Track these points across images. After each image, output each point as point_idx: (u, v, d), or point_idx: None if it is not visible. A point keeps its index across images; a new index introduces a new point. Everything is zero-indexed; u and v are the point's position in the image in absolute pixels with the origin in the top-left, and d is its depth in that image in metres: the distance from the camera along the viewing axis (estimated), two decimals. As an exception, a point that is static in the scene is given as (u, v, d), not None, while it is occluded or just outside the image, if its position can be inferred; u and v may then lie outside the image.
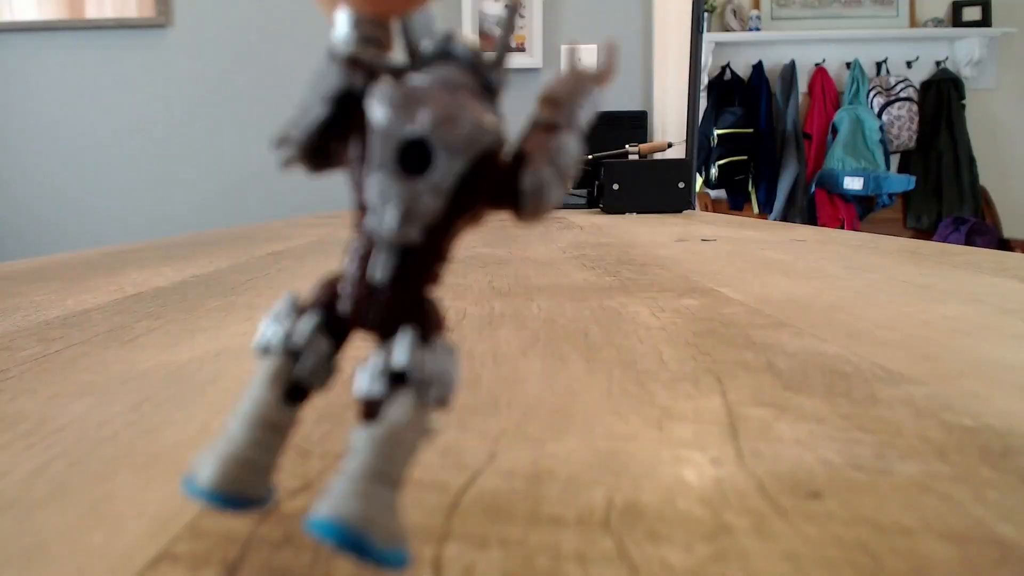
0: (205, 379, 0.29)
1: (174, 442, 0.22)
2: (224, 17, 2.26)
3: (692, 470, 0.19)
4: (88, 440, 0.22)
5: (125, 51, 2.32)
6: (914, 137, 2.91)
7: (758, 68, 2.97)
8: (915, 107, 2.91)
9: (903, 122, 2.89)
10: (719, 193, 3.05)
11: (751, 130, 2.92)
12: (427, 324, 0.14)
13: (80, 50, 2.32)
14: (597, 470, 0.19)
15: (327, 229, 1.18)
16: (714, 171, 2.94)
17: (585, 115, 0.15)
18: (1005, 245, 2.85)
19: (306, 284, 0.45)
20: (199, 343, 0.36)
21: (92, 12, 2.30)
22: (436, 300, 0.14)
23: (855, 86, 2.93)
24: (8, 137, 2.36)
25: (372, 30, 0.15)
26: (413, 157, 0.14)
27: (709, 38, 2.91)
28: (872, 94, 2.93)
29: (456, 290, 0.51)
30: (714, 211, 2.85)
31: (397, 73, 0.14)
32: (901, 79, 2.93)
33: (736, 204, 3.01)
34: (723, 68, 3.00)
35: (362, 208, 0.14)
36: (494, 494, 0.18)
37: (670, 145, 1.55)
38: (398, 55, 0.15)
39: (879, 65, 2.98)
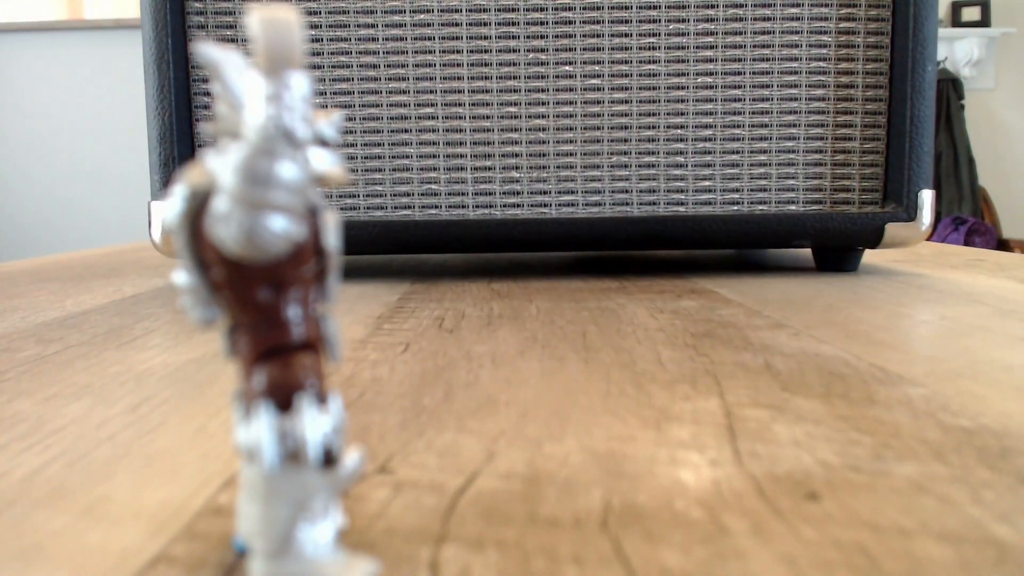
0: (203, 380, 0.29)
1: (172, 443, 0.22)
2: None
3: (690, 471, 0.19)
4: (86, 441, 0.22)
5: (124, 51, 2.32)
6: (913, 137, 2.91)
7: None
8: (914, 107, 2.91)
9: (902, 122, 2.89)
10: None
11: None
12: (254, 393, 0.14)
13: (79, 50, 2.32)
14: (595, 471, 0.19)
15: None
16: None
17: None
18: (1004, 245, 2.85)
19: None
20: (197, 344, 0.36)
21: (91, 12, 2.30)
22: (273, 366, 0.14)
23: (854, 86, 2.93)
24: (6, 137, 2.36)
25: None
26: None
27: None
28: (871, 94, 2.93)
29: (455, 291, 0.51)
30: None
31: None
32: (900, 79, 2.93)
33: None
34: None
35: None
36: (492, 495, 0.18)
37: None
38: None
39: (878, 65, 2.98)
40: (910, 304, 0.44)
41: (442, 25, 0.55)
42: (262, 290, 0.14)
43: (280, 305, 0.14)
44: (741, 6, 0.55)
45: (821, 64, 0.56)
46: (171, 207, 0.14)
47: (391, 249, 0.56)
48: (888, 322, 0.38)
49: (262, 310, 0.14)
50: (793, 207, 0.57)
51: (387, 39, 0.55)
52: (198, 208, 0.14)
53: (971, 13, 3.00)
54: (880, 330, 0.37)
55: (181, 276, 0.14)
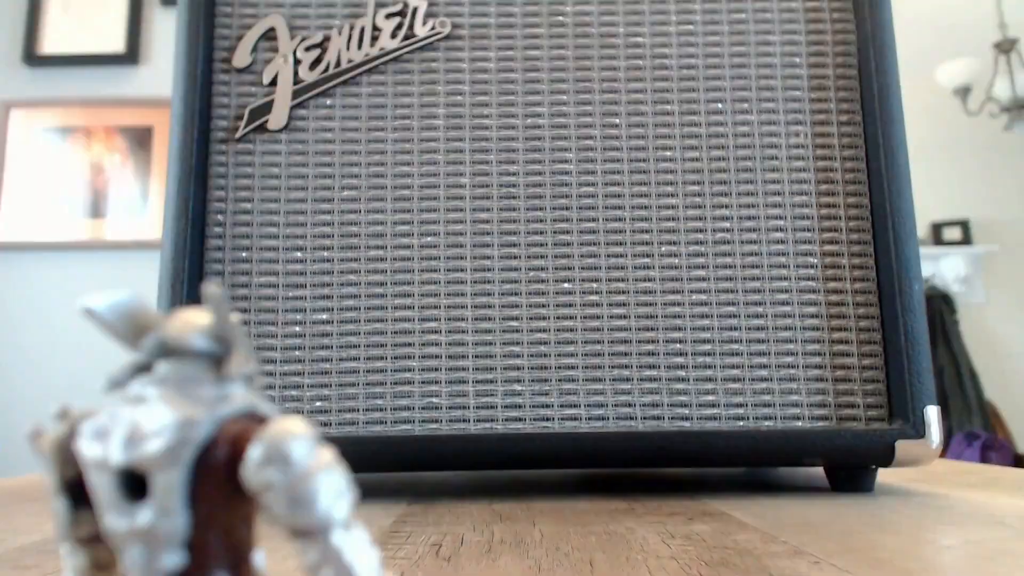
0: None
1: None
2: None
3: None
4: None
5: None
6: (912, 352, 2.94)
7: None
8: (909, 322, 2.97)
9: (899, 336, 2.93)
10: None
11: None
12: None
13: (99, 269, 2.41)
14: None
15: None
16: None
17: None
18: (1021, 460, 2.77)
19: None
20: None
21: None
22: None
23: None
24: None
25: None
26: (133, 484, 0.12)
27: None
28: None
29: (454, 512, 0.49)
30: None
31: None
32: (891, 295, 3.02)
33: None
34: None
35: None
36: None
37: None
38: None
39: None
40: (932, 527, 0.41)
41: (448, 247, 0.58)
42: (243, 527, 0.13)
43: (250, 539, 0.13)
44: (729, 230, 0.58)
45: (811, 284, 0.58)
46: (166, 448, 0.12)
47: (390, 467, 0.55)
48: (912, 548, 0.36)
49: (241, 546, 0.13)
50: (799, 423, 0.56)
51: (395, 259, 0.58)
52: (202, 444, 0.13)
53: (952, 233, 3.15)
54: (904, 557, 0.34)
55: (144, 516, 0.12)
